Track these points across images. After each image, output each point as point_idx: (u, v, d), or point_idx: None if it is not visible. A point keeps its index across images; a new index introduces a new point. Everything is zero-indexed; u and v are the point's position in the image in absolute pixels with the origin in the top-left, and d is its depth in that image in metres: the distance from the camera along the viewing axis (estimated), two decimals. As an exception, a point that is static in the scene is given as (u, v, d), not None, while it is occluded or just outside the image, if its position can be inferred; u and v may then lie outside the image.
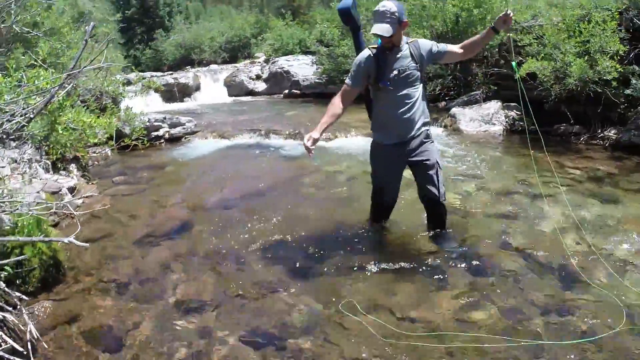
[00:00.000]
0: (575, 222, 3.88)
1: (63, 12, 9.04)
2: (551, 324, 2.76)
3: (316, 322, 2.88)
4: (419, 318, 2.87)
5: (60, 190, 5.02)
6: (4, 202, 3.14)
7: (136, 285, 3.47)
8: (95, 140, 5.26)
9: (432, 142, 3.63)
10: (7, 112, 4.33)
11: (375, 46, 3.41)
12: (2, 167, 4.21)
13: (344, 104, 3.45)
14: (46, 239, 3.12)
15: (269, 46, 18.22)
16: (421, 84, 3.52)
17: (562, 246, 3.57)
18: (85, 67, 4.16)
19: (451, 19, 9.72)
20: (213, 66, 19.33)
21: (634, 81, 6.25)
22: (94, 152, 7.22)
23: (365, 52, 3.44)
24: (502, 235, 3.94)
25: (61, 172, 5.74)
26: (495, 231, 4.02)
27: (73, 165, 6.03)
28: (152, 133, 8.23)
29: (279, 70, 15.21)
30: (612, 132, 6.86)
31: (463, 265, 3.45)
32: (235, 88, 15.75)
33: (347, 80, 3.47)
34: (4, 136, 4.53)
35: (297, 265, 3.62)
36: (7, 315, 2.69)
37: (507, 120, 8.10)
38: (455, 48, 3.49)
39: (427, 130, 3.60)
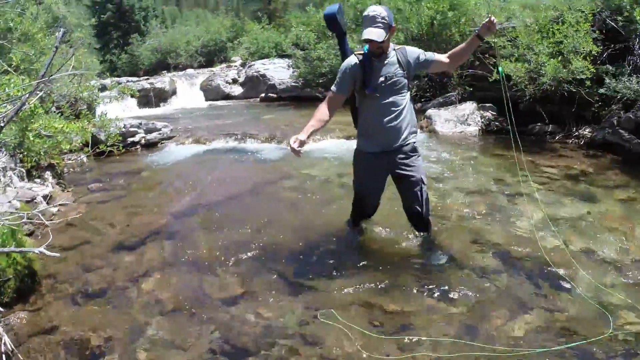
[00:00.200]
0: (550, 221, 3.93)
1: (37, 17, 8.85)
2: (529, 327, 2.79)
3: (294, 330, 2.86)
4: (397, 323, 2.87)
5: (35, 199, 4.94)
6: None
7: (111, 293, 3.43)
8: (70, 147, 5.17)
9: (419, 156, 3.54)
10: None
11: (362, 52, 3.34)
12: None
13: (330, 110, 3.35)
14: (17, 249, 3.06)
15: (245, 50, 18.11)
16: (408, 92, 3.46)
17: (538, 244, 3.61)
18: (55, 73, 4.09)
19: (426, 22, 9.78)
20: (189, 70, 19.19)
21: (607, 80, 6.37)
22: (70, 159, 7.11)
23: (352, 59, 3.34)
24: (478, 235, 3.97)
25: (36, 180, 5.65)
26: (471, 231, 4.05)
27: (48, 172, 5.93)
28: (128, 139, 8.17)
29: (255, 74, 15.16)
30: (587, 130, 6.99)
31: (442, 268, 3.46)
32: (211, 92, 15.65)
33: (333, 87, 3.39)
34: (-25, 145, 4.43)
35: (275, 271, 3.59)
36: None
37: (482, 120, 8.19)
38: (442, 57, 3.44)
39: (414, 142, 3.51)
